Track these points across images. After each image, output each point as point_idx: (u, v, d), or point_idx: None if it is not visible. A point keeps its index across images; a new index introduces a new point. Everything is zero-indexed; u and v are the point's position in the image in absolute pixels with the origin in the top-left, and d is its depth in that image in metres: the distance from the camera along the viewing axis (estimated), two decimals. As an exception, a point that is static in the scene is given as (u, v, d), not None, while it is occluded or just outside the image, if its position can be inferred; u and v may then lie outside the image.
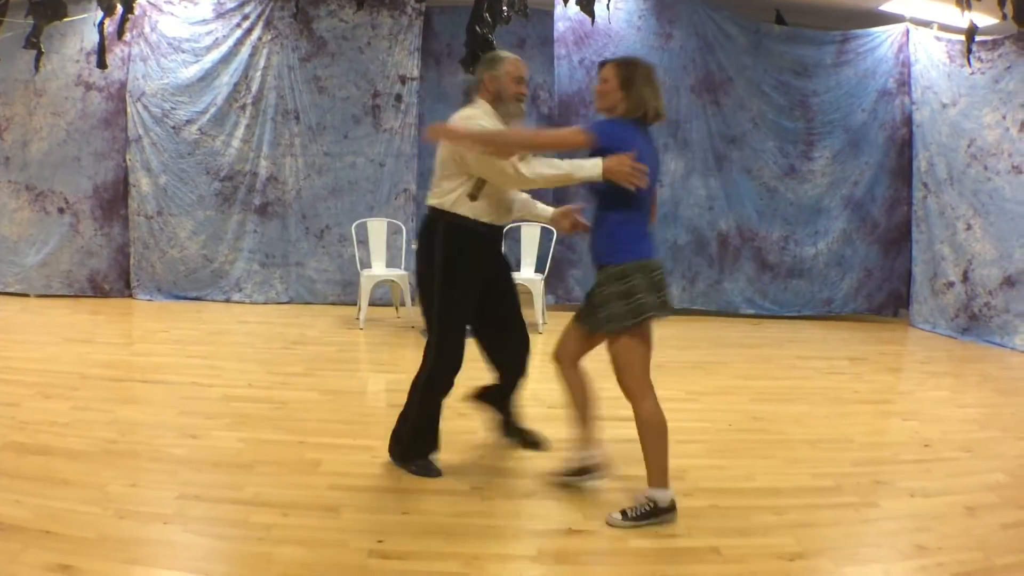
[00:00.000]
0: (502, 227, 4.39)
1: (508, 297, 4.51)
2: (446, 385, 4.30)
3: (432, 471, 4.31)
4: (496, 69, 4.23)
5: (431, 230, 4.22)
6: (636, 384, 3.79)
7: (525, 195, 4.51)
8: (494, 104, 4.22)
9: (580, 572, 3.34)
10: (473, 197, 4.14)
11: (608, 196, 3.81)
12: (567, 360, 4.13)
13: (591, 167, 3.71)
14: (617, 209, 3.83)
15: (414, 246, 4.46)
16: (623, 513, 3.76)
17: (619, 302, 3.72)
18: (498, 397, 4.72)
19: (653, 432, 3.76)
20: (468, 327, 4.37)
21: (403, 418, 4.39)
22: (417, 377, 4.30)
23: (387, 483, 4.18)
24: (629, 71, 3.83)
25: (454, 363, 4.25)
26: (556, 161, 3.98)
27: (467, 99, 4.39)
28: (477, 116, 4.11)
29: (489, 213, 4.21)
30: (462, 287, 4.21)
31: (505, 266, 4.55)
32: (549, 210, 4.58)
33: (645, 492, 3.81)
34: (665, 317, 3.80)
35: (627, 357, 3.78)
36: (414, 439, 4.36)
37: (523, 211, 4.55)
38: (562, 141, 3.98)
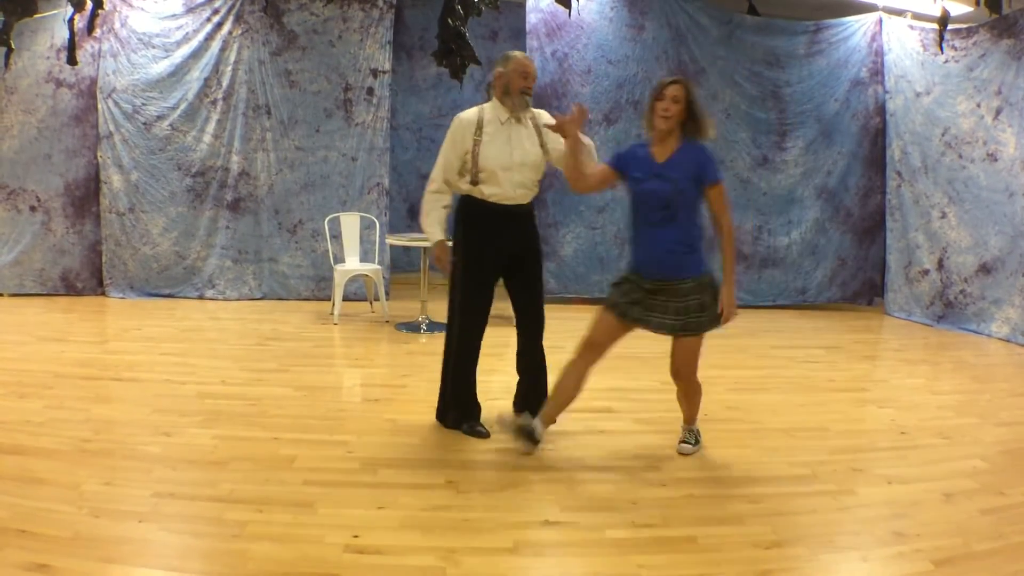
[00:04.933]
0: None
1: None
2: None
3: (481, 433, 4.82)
4: (505, 66, 4.65)
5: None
6: (697, 366, 4.57)
7: None
8: (502, 98, 4.65)
9: (557, 564, 3.34)
10: None
11: (692, 212, 4.33)
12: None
13: (431, 233, 4.69)
14: (698, 225, 4.37)
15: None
16: (688, 442, 4.71)
17: (715, 304, 4.41)
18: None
19: (700, 395, 4.72)
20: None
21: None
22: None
23: (362, 478, 4.15)
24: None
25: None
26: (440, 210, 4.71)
27: (487, 96, 4.82)
28: (472, 113, 4.66)
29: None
30: None
31: None
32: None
33: (691, 426, 4.79)
34: None
35: (699, 348, 4.54)
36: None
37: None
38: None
